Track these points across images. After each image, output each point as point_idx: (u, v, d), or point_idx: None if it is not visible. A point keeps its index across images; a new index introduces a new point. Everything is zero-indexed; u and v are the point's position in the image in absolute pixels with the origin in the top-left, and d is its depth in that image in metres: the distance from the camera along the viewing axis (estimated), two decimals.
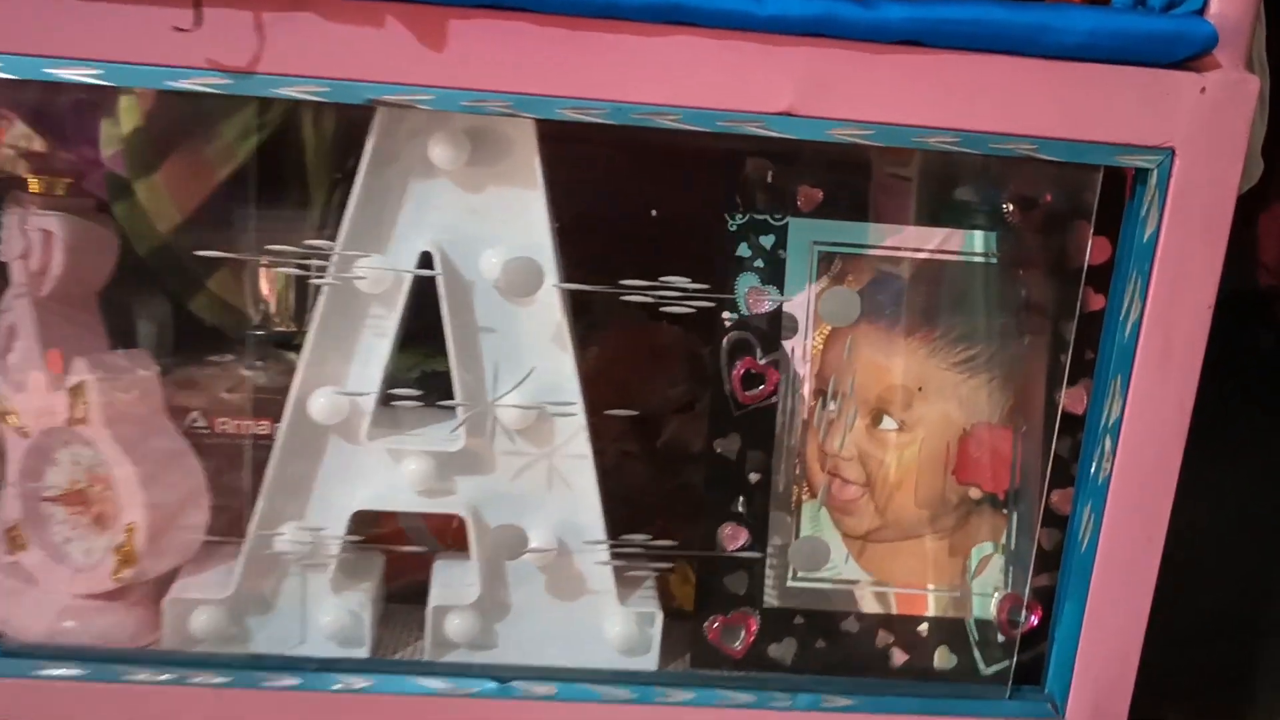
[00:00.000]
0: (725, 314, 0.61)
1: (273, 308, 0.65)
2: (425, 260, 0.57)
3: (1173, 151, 0.54)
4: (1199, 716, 1.02)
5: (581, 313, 0.67)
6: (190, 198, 0.63)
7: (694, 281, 0.57)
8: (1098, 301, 0.60)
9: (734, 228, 0.61)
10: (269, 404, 0.61)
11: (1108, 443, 0.58)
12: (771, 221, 0.61)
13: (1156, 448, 0.57)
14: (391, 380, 0.59)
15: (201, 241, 0.59)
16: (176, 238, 0.63)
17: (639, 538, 0.60)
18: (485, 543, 0.60)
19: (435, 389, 0.61)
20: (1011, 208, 0.61)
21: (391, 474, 0.59)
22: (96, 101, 0.61)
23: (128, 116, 0.61)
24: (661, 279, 0.57)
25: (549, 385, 0.59)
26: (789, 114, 0.53)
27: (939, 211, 0.61)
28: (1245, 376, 0.95)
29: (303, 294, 0.66)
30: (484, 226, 0.57)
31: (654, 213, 0.71)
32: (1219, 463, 0.92)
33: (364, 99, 0.52)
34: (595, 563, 0.61)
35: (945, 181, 0.61)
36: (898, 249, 0.62)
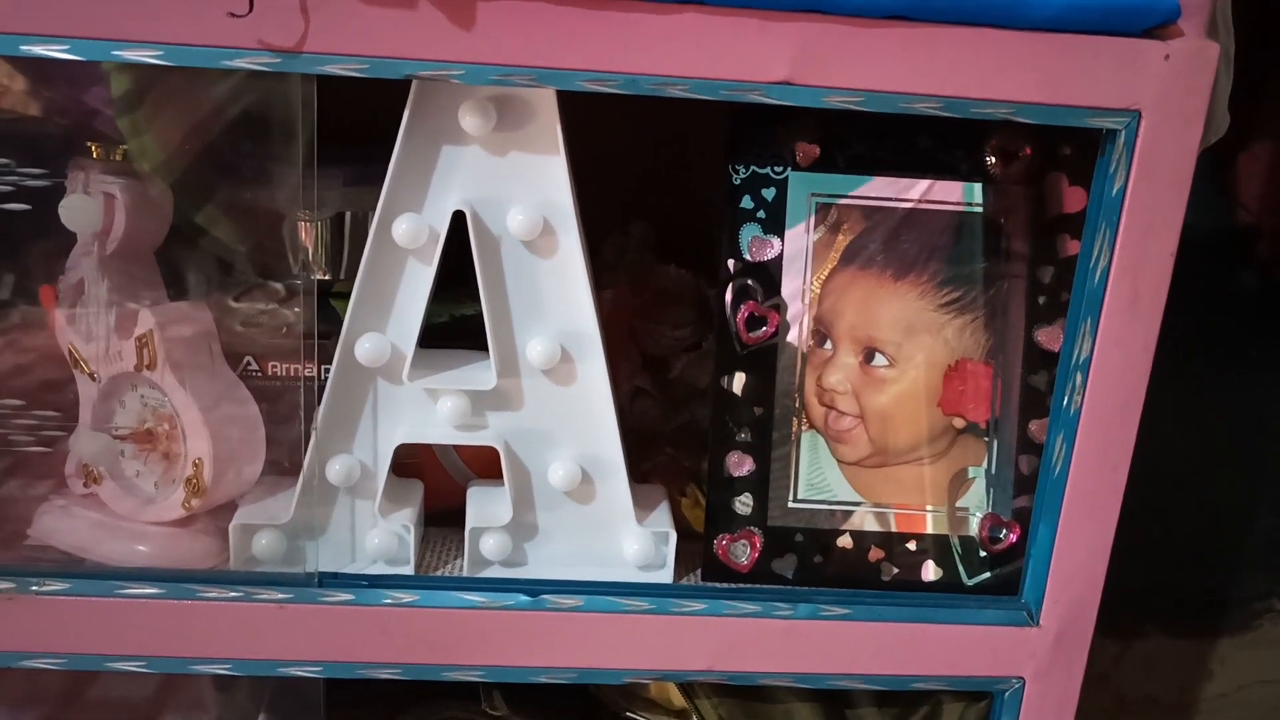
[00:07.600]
0: (730, 261, 0.66)
1: (310, 257, 0.70)
2: (458, 218, 0.62)
3: (1139, 114, 0.58)
4: (1175, 630, 1.10)
5: (596, 258, 0.71)
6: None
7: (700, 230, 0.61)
8: (1074, 247, 0.65)
9: (738, 181, 0.65)
10: (314, 348, 0.66)
11: (1078, 378, 0.63)
12: (772, 175, 0.65)
13: (1122, 383, 0.63)
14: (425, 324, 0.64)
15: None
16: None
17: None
18: (516, 471, 0.67)
19: (464, 331, 0.67)
20: (994, 160, 0.66)
21: (430, 411, 0.65)
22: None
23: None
24: None
25: (571, 330, 0.64)
26: (787, 83, 0.57)
27: (925, 165, 0.65)
28: (1224, 310, 1.01)
29: (338, 246, 0.71)
30: (510, 187, 0.62)
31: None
32: (1199, 394, 0.98)
33: (402, 74, 0.57)
34: (616, 488, 0.67)
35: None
36: (888, 199, 0.66)
